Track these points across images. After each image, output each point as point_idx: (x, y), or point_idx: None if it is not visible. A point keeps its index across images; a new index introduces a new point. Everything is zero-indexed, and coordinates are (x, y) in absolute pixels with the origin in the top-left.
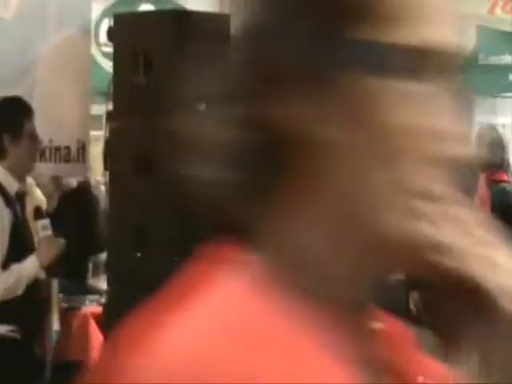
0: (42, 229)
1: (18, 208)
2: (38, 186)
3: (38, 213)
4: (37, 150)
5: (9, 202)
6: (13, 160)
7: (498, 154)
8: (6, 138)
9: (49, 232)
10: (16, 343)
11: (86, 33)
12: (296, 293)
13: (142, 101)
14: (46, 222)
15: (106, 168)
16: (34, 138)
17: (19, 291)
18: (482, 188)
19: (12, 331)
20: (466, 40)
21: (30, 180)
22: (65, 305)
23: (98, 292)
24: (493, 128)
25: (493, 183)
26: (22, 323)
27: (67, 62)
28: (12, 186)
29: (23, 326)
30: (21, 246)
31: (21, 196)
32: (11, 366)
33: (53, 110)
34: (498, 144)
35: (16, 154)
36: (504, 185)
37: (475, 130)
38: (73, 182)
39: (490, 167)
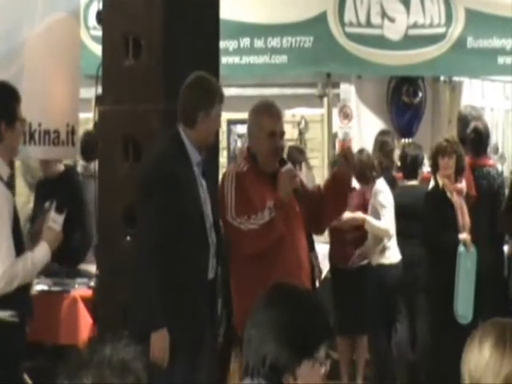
0: (52, 221)
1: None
2: (28, 169)
3: (58, 206)
4: (25, 133)
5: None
6: (7, 145)
7: (481, 140)
8: (2, 125)
9: (58, 227)
10: (14, 327)
11: (76, 16)
12: None
13: (131, 84)
14: (60, 218)
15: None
16: (23, 120)
17: (33, 278)
18: (467, 172)
19: (12, 316)
20: (456, 24)
21: (17, 163)
22: (53, 288)
23: (87, 275)
24: (476, 110)
25: (477, 167)
26: (20, 307)
27: (56, 45)
28: (5, 171)
29: (20, 310)
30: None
31: (11, 181)
32: (10, 347)
33: (42, 93)
34: (481, 130)
35: (10, 139)
36: (488, 169)
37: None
38: (61, 167)
39: (473, 152)
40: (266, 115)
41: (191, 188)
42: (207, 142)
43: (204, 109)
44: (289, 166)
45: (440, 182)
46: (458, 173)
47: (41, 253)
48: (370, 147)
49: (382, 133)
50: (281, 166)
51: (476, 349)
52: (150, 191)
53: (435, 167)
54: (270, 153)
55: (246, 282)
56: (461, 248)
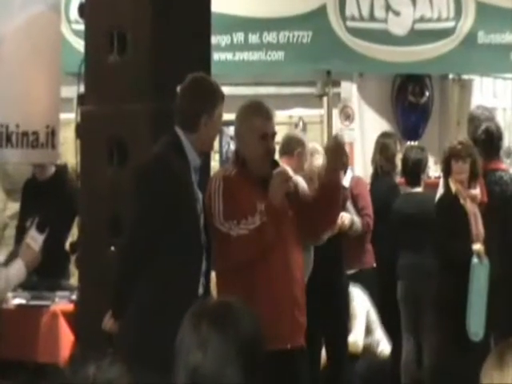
0: (31, 238)
1: None
2: (6, 176)
3: (40, 225)
4: (1, 135)
5: None
6: None
7: (493, 142)
8: None
9: (36, 247)
10: None
11: (56, 9)
12: None
13: (116, 82)
14: (40, 238)
15: None
16: None
17: (5, 296)
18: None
19: None
20: (466, 17)
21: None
22: (32, 302)
23: (68, 288)
24: (488, 111)
25: (488, 172)
26: None
27: (35, 41)
28: None
29: None
30: None
31: None
32: None
33: (20, 92)
34: (493, 132)
35: None
36: (501, 173)
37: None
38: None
39: (484, 155)
40: (256, 116)
41: (188, 191)
42: (209, 145)
43: (206, 112)
44: (281, 168)
45: (453, 188)
46: (473, 178)
47: (15, 270)
48: (372, 151)
49: (384, 135)
50: (272, 168)
51: None
52: (146, 182)
53: (447, 171)
54: (261, 156)
55: (231, 293)
56: (474, 259)
